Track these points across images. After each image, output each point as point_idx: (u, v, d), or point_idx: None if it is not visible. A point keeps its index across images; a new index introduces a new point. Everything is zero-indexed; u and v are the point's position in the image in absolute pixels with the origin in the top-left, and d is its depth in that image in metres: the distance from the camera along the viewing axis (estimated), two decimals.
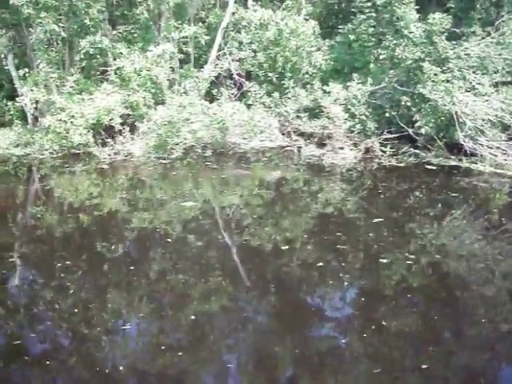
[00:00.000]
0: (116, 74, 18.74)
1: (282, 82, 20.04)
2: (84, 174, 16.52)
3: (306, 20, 21.35)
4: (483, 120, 16.17)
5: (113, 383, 6.50)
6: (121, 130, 18.13)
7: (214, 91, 20.18)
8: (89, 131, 17.73)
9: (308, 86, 19.77)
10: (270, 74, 20.29)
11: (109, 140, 18.25)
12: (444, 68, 17.10)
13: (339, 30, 20.21)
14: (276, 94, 19.74)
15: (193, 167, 17.01)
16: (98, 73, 19.81)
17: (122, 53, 18.89)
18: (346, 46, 19.93)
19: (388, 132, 18.13)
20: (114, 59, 19.05)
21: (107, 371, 6.60)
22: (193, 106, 17.50)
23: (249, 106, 19.69)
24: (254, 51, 20.57)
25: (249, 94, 20.12)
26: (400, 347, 7.25)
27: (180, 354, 6.91)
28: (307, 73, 20.41)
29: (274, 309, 8.35)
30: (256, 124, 17.84)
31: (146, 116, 18.16)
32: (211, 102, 19.25)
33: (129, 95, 18.29)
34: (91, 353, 6.99)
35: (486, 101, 16.02)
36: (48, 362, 6.77)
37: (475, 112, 15.95)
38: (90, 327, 7.44)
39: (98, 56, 18.69)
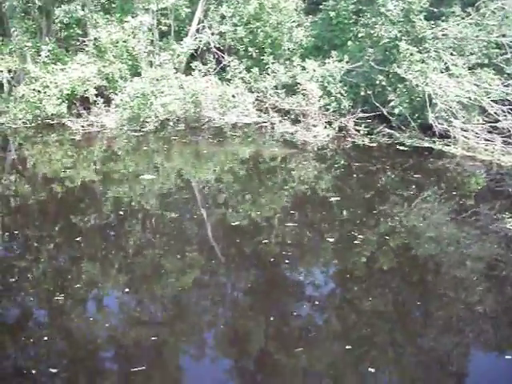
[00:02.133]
0: (93, 44, 18.57)
1: (262, 57, 19.87)
2: (57, 145, 16.44)
3: None
4: (457, 102, 16.02)
5: (88, 354, 6.51)
6: (95, 102, 18.03)
7: (194, 65, 19.99)
8: (63, 101, 17.62)
9: (287, 62, 19.62)
10: (250, 49, 20.11)
11: (83, 111, 18.17)
12: (420, 48, 16.87)
13: (320, 7, 19.94)
14: (255, 70, 19.59)
15: (165, 141, 16.91)
16: (78, 43, 19.65)
17: (98, 23, 18.68)
18: (327, 22, 19.70)
19: (363, 111, 18.00)
20: (92, 29, 18.89)
21: (82, 342, 6.65)
22: (166, 78, 17.33)
23: (228, 81, 19.60)
24: (235, 25, 20.34)
25: (228, 68, 19.96)
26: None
27: (156, 327, 7.01)
28: (288, 49, 20.23)
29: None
30: (229, 99, 17.72)
31: (121, 88, 18.02)
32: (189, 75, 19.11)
33: (104, 66, 18.15)
34: (66, 324, 7.00)
35: (459, 82, 15.83)
36: (22, 333, 6.76)
37: (447, 94, 15.78)
38: (65, 298, 7.45)
39: (74, 26, 18.49)
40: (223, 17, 20.54)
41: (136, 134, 17.13)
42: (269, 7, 19.87)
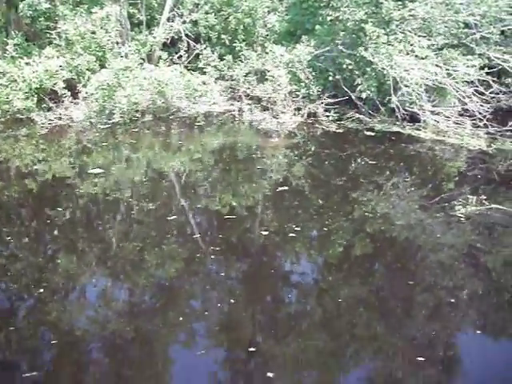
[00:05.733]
0: (60, 37, 18.39)
1: (235, 44, 19.58)
2: (27, 140, 16.34)
3: None
4: (426, 85, 15.63)
5: (70, 347, 6.55)
6: (64, 95, 17.89)
7: (165, 54, 19.73)
8: (32, 96, 17.50)
9: (259, 49, 19.31)
10: (222, 37, 19.83)
11: (53, 105, 18.04)
12: (388, 30, 16.43)
13: None
14: (229, 57, 19.33)
15: (133, 132, 16.70)
16: (47, 36, 19.44)
17: (66, 15, 18.48)
18: (298, 6, 19.32)
19: (332, 96, 17.65)
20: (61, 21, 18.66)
21: (63, 335, 6.70)
22: (131, 69, 17.12)
23: (201, 69, 19.40)
24: (207, 13, 20.03)
25: (200, 57, 19.70)
26: None
27: (140, 318, 7.10)
28: (261, 35, 19.92)
29: None
30: (196, 88, 17.48)
31: (89, 80, 17.84)
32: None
33: (72, 59, 17.98)
34: (46, 316, 7.08)
35: (424, 64, 15.40)
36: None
37: (412, 76, 15.38)
38: (44, 290, 7.55)
39: (41, 19, 18.31)
40: (196, 4, 20.25)
41: (104, 126, 16.94)
42: None
